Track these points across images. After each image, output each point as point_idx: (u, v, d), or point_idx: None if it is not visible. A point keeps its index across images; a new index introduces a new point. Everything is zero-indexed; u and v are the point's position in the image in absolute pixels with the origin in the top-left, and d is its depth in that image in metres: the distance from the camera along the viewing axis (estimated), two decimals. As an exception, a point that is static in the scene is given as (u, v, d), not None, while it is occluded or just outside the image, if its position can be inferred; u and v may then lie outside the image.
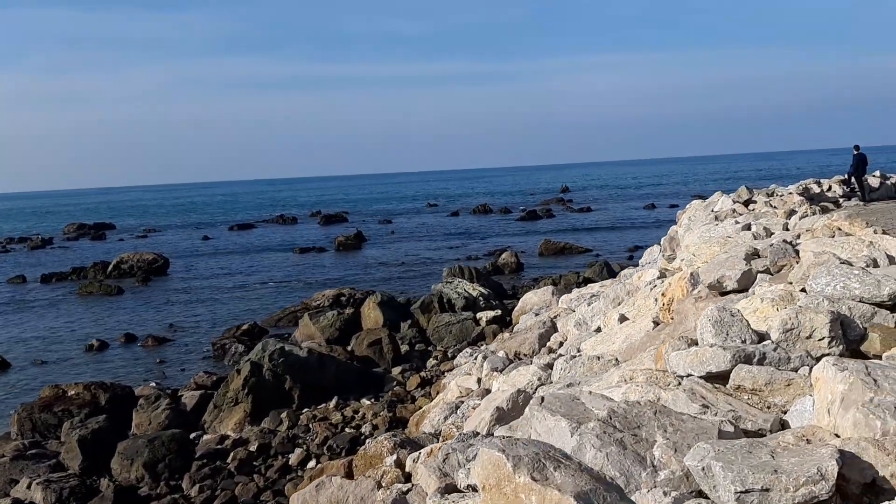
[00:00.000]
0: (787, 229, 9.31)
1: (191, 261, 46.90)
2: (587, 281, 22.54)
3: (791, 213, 10.14)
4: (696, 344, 5.24)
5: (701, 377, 4.93)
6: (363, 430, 12.59)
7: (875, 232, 7.69)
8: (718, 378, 4.91)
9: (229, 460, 11.75)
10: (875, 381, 3.80)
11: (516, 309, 18.08)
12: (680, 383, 4.88)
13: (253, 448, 12.21)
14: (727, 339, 5.17)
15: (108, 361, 22.43)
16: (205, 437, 13.68)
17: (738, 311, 5.31)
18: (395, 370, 16.29)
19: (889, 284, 5.45)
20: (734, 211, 11.51)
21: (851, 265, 5.94)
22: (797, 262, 6.40)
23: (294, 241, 55.03)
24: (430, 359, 17.07)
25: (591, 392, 5.02)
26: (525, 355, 11.59)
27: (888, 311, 5.47)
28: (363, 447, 9.41)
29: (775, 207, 11.34)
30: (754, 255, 7.39)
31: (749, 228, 9.15)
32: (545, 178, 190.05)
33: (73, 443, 11.87)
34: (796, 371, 4.75)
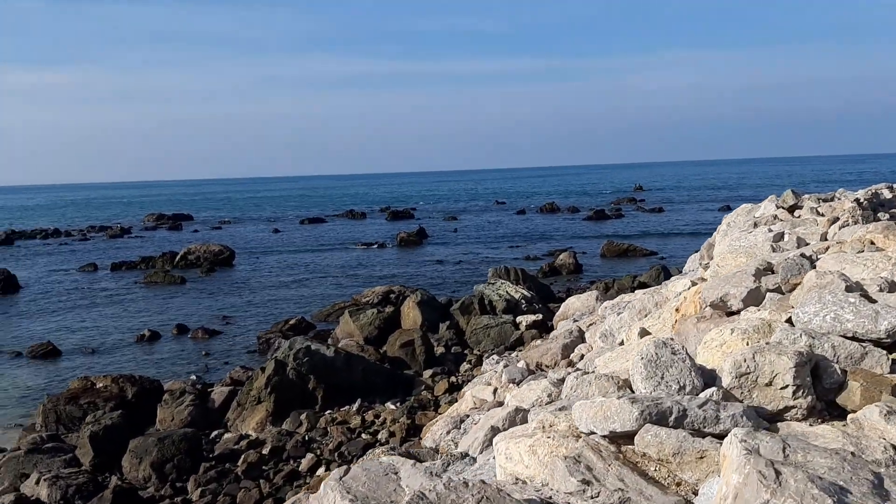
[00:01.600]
0: (826, 240, 8.34)
1: (257, 253, 47.54)
2: (642, 286, 21.50)
3: (835, 221, 9.11)
4: (630, 386, 4.48)
5: (605, 436, 4.02)
6: (380, 436, 12.11)
7: None
8: (629, 439, 3.99)
9: (239, 463, 11.45)
10: (779, 475, 2.89)
11: (558, 314, 17.31)
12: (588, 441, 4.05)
13: (265, 451, 11.89)
14: (660, 385, 4.26)
15: (155, 352, 22.66)
16: (226, 435, 13.47)
17: (682, 347, 4.45)
18: (427, 373, 15.77)
19: (888, 318, 4.53)
20: (775, 217, 10.48)
21: (854, 290, 5.07)
22: (831, 274, 5.60)
23: (358, 237, 55.25)
24: (464, 363, 16.48)
25: (414, 464, 4.33)
26: (547, 367, 10.89)
27: (884, 352, 4.54)
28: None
29: (822, 215, 10.26)
30: (767, 270, 6.53)
31: (781, 238, 8.23)
32: (619, 176, 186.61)
33: (85, 439, 11.77)
34: (722, 438, 3.74)
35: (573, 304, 17.11)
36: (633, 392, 4.46)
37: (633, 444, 3.84)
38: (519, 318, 18.11)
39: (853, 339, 4.63)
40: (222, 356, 21.50)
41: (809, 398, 4.19)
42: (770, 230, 8.65)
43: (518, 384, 10.23)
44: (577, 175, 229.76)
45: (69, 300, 32.35)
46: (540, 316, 17.97)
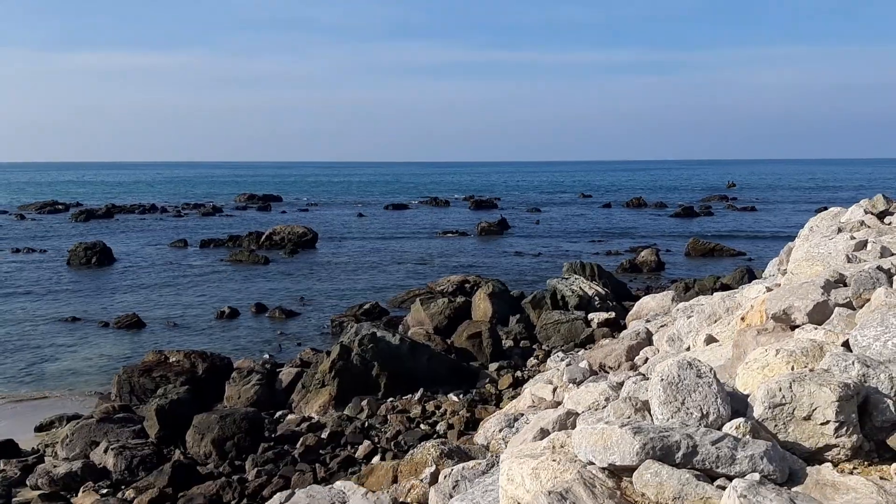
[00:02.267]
0: None
1: (340, 236, 48.26)
2: (724, 288, 20.67)
3: None
4: (649, 409, 4.07)
5: (604, 469, 3.57)
6: (438, 427, 12.01)
7: None
8: (632, 472, 3.52)
9: (298, 445, 11.54)
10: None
11: (631, 313, 16.80)
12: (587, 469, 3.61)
13: (324, 435, 11.95)
14: (679, 412, 3.73)
15: (232, 329, 23.23)
16: (289, 416, 13.64)
17: (710, 369, 4.00)
18: (492, 366, 15.57)
19: None
20: (862, 223, 9.69)
21: None
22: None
23: (440, 224, 55.38)
24: (532, 358, 16.19)
25: (365, 494, 3.99)
26: (610, 368, 10.52)
27: None
28: (411, 452, 8.80)
29: None
30: (839, 282, 6.00)
31: (864, 247, 7.57)
32: (713, 173, 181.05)
33: (152, 412, 12.10)
34: (731, 480, 3.27)
35: (647, 303, 16.58)
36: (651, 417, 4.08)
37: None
38: (591, 316, 17.68)
39: None
40: (296, 337, 21.86)
41: (855, 437, 3.69)
42: (853, 237, 8.01)
43: (578, 385, 9.93)
44: (668, 170, 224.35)
45: (158, 274, 33.56)
46: (612, 314, 17.49)
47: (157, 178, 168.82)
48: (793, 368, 4.20)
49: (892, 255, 7.05)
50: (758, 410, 3.82)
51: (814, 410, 3.74)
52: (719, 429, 3.68)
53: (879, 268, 5.87)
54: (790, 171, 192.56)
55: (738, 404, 3.94)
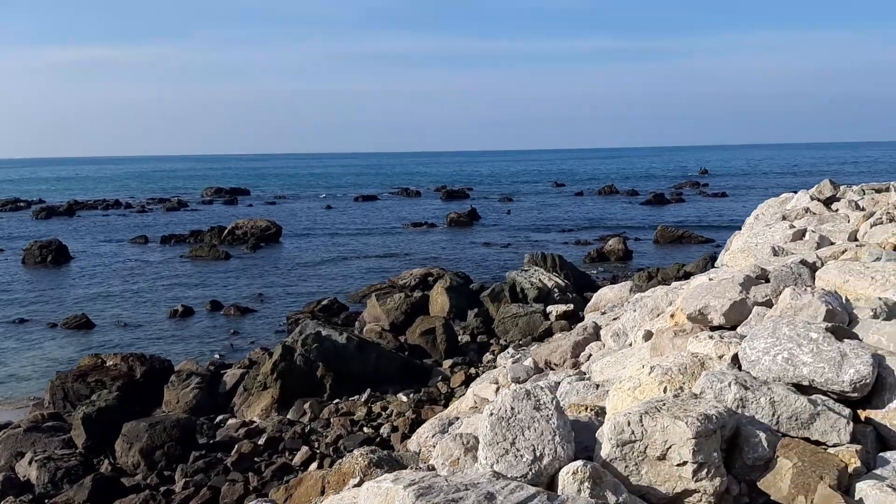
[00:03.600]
0: (856, 240, 7.14)
1: (306, 230, 47.46)
2: (688, 276, 20.27)
3: (871, 217, 7.80)
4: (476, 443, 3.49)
5: None
6: (382, 430, 11.44)
7: None
8: None
9: (232, 453, 10.92)
10: None
11: (588, 305, 16.32)
12: None
13: (262, 441, 11.34)
14: (507, 455, 3.11)
15: (185, 328, 22.49)
16: (229, 421, 13.02)
17: (553, 400, 3.39)
18: (446, 363, 15.03)
19: (857, 363, 3.38)
20: (807, 210, 9.23)
21: (837, 315, 3.98)
22: (811, 293, 4.55)
23: (410, 216, 54.70)
24: (488, 353, 15.68)
25: None
26: (556, 365, 10.02)
27: (845, 413, 3.30)
28: (339, 461, 8.22)
29: (862, 209, 8.97)
30: (761, 277, 5.51)
31: (802, 236, 7.10)
32: (688, 159, 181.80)
33: (78, 420, 11.42)
34: None
35: (606, 294, 16.09)
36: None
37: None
38: (549, 308, 17.19)
39: (812, 389, 3.53)
40: (250, 335, 21.18)
41: (717, 480, 3.05)
42: (792, 226, 7.53)
43: (521, 384, 9.39)
44: (643, 157, 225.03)
45: (114, 272, 32.63)
46: (571, 306, 17.00)
47: (126, 173, 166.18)
48: (665, 391, 3.63)
49: (831, 244, 6.56)
50: (605, 449, 3.21)
51: (668, 449, 3.09)
52: (555, 473, 3.09)
53: (803, 262, 5.38)
54: (765, 157, 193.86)
55: (589, 441, 3.36)
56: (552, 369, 10.13)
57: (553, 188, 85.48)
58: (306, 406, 12.53)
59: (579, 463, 3.06)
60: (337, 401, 12.98)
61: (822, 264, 5.53)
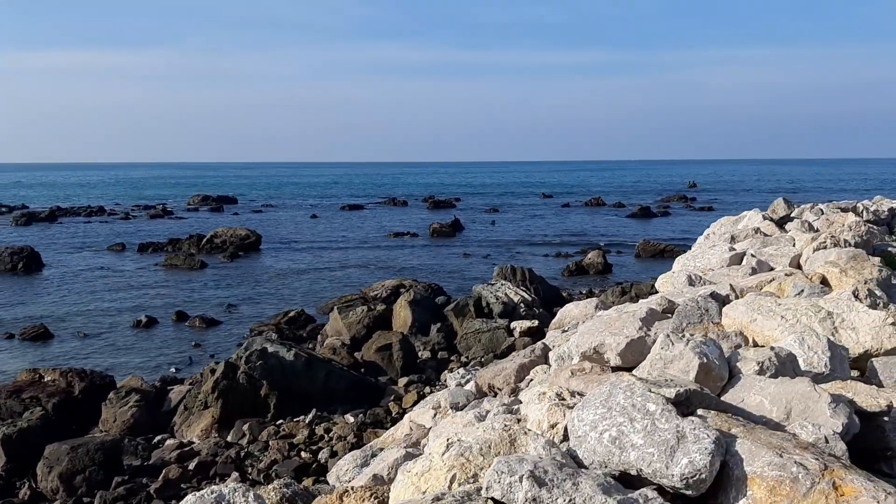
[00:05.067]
0: (799, 266, 6.55)
1: (288, 239, 46.83)
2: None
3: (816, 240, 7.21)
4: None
5: None
6: (321, 455, 10.85)
7: (855, 292, 4.89)
8: None
9: (159, 479, 10.31)
10: None
11: (553, 321, 15.75)
12: None
13: (192, 466, 10.73)
14: None
15: (146, 340, 21.84)
16: (168, 441, 12.41)
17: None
18: (402, 381, 14.44)
19: (692, 451, 2.70)
20: (757, 231, 8.64)
21: (660, 387, 3.29)
22: (718, 331, 4.00)
23: (394, 226, 54.13)
24: (446, 371, 15.08)
25: None
26: (499, 390, 9.46)
27: None
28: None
29: (816, 230, 8.41)
30: (668, 311, 4.96)
31: (740, 261, 6.51)
32: (676, 173, 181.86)
33: (-4, 441, 10.79)
34: None
35: (571, 311, 15.47)
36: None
37: None
38: (513, 324, 16.63)
39: (641, 481, 2.81)
40: (211, 348, 20.54)
41: None
42: (732, 248, 6.95)
43: (460, 410, 8.84)
44: (633, 170, 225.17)
45: (85, 281, 31.93)
46: (536, 322, 16.45)
47: (114, 180, 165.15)
48: (451, 482, 3.01)
49: (771, 269, 6.02)
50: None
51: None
52: None
53: (714, 295, 4.83)
54: (754, 172, 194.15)
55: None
56: (495, 394, 9.57)
57: (541, 199, 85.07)
58: (245, 427, 11.92)
59: None
60: (281, 421, 12.38)
61: (738, 296, 4.96)
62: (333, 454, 10.70)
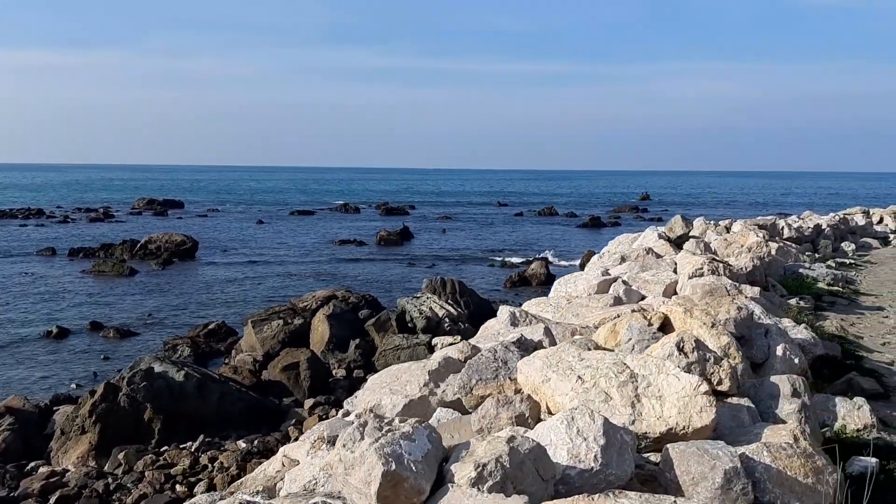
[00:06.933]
0: (676, 293, 5.72)
1: (227, 245, 45.39)
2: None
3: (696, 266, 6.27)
4: None
5: None
6: (196, 489, 9.82)
7: (679, 344, 3.94)
8: None
9: (14, 514, 9.19)
10: None
11: (475, 337, 14.91)
12: None
13: (53, 500, 9.62)
14: None
15: (53, 352, 20.49)
16: (41, 469, 11.26)
17: None
18: (308, 403, 13.46)
19: None
20: (649, 251, 7.81)
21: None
22: (514, 391, 3.21)
23: (341, 233, 52.96)
24: (358, 391, 14.11)
25: None
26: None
27: None
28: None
29: (713, 252, 7.65)
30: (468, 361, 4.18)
31: (608, 288, 5.67)
32: (632, 183, 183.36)
33: None
34: None
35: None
36: None
37: None
38: (435, 340, 15.74)
39: None
40: (120, 362, 19.24)
41: None
42: (605, 273, 6.12)
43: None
44: (591, 179, 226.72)
45: (4, 288, 30.28)
46: (458, 338, 15.57)
47: (60, 182, 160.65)
48: None
49: (642, 298, 5.21)
50: None
51: None
52: None
53: (521, 342, 3.98)
54: (710, 183, 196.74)
55: None
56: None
57: (496, 208, 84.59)
58: (121, 456, 10.84)
59: None
60: (165, 448, 11.31)
61: (553, 344, 4.11)
62: (211, 487, 9.69)
